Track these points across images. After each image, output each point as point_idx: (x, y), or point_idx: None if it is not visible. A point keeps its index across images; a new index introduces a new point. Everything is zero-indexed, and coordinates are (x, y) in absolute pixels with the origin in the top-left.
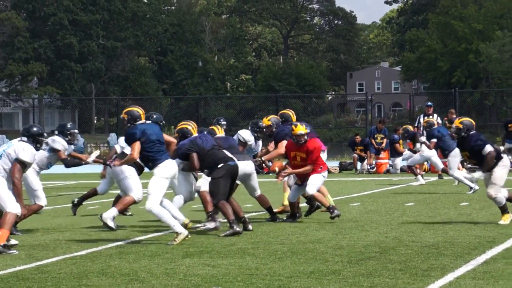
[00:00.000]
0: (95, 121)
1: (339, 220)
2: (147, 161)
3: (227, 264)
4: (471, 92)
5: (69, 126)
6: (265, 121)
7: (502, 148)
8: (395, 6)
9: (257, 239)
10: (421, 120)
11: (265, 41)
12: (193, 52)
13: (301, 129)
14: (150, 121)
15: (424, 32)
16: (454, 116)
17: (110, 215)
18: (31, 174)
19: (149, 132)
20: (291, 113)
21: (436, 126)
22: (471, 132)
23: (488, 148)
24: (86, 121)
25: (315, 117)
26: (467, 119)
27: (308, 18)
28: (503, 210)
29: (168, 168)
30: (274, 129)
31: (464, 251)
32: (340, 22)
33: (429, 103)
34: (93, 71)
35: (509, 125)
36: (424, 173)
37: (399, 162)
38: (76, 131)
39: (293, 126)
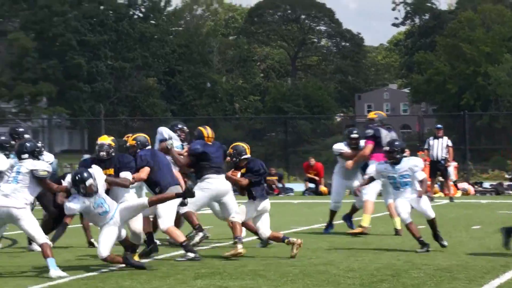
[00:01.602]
0: None
1: (350, 243)
2: None
3: (239, 285)
4: (480, 115)
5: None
6: (130, 141)
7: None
8: (403, 28)
9: (268, 261)
10: (430, 142)
11: (273, 62)
12: (201, 73)
13: None
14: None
15: (432, 55)
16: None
17: None
18: None
19: None
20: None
21: None
22: None
23: None
24: (96, 142)
25: (324, 138)
26: None
27: (315, 40)
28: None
29: None
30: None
31: (477, 275)
32: (347, 44)
33: (439, 125)
34: (102, 91)
35: None
36: (435, 195)
37: None
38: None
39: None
